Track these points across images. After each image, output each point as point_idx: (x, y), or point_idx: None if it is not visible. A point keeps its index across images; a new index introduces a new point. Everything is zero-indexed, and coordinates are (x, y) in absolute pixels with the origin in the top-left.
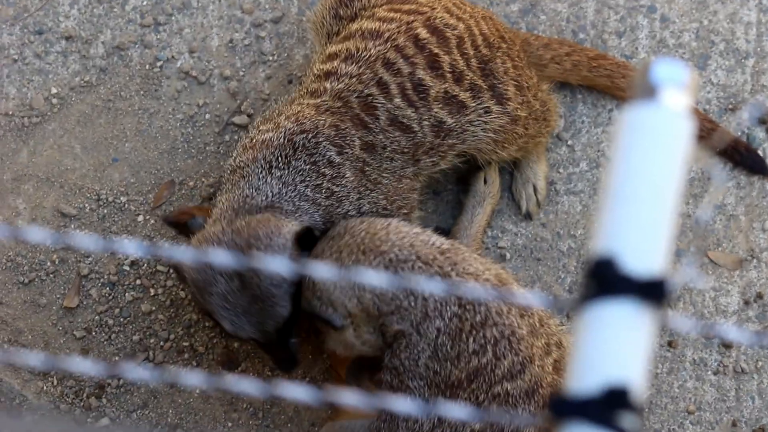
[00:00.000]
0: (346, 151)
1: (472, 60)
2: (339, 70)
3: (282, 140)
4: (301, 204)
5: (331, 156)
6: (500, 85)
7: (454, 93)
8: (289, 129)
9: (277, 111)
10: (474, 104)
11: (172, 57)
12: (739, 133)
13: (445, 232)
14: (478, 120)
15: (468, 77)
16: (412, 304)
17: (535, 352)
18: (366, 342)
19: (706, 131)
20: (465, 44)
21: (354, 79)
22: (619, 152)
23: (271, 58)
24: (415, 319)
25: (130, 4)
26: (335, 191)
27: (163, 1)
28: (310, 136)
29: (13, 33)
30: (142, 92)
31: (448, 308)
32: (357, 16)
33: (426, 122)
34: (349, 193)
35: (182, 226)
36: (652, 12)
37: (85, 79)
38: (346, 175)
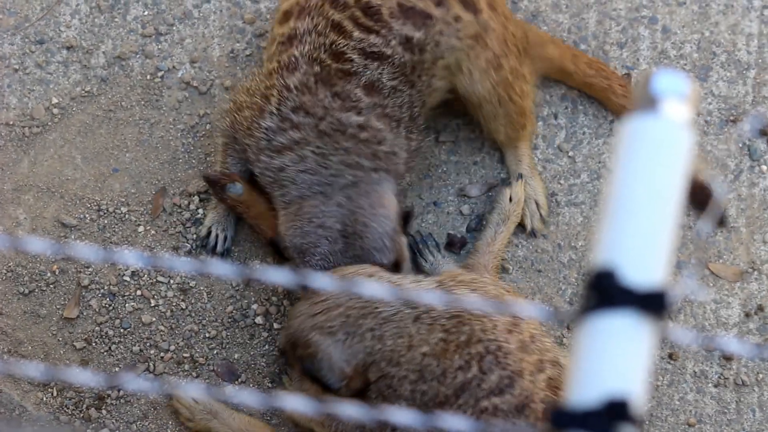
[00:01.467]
0: (359, 105)
1: None
2: (297, 31)
3: (313, 134)
4: (373, 174)
5: (353, 120)
6: None
7: (410, 4)
8: (308, 123)
9: (262, 93)
10: (439, 13)
11: (173, 67)
12: (740, 145)
13: (456, 239)
14: (449, 29)
15: None
16: (399, 343)
17: (525, 367)
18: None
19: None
20: None
21: (314, 35)
22: (620, 163)
23: None
24: (397, 357)
25: (131, 14)
26: (382, 148)
27: (165, 11)
28: (328, 117)
29: (14, 43)
30: (143, 102)
31: (434, 335)
32: None
33: (394, 42)
34: (393, 141)
35: (220, 188)
36: (654, 23)
37: (86, 89)
38: (377, 126)
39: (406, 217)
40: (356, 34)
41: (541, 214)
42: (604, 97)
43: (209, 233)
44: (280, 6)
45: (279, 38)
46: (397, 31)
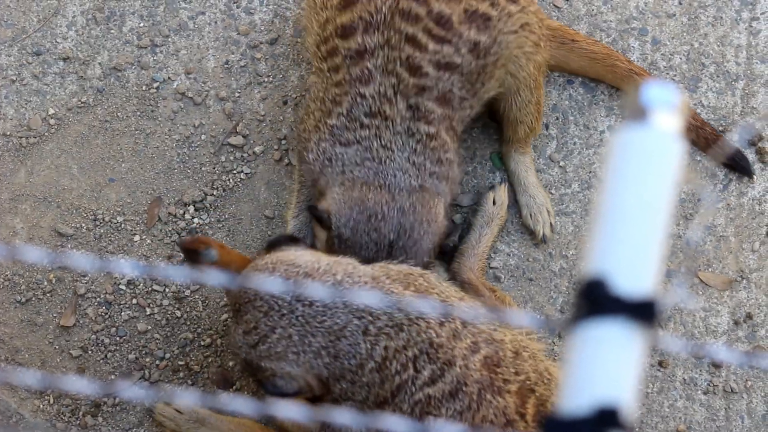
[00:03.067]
0: (431, 117)
1: None
2: (367, 45)
3: (386, 133)
4: (434, 181)
5: (424, 129)
6: None
7: (473, 8)
8: (381, 124)
9: (331, 99)
10: (496, 12)
11: (169, 78)
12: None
13: (448, 248)
14: (505, 26)
15: None
16: (353, 363)
17: (458, 353)
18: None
19: (711, 141)
20: None
21: (386, 49)
22: (610, 173)
23: (266, 79)
24: (351, 375)
25: (127, 25)
26: (447, 156)
27: (160, 23)
28: (403, 123)
29: (11, 54)
30: (138, 113)
31: (378, 347)
32: None
33: (464, 49)
34: (455, 151)
35: (194, 254)
36: (644, 34)
37: (83, 99)
38: (445, 138)
39: (447, 234)
40: (431, 46)
41: (551, 223)
42: (609, 65)
43: None
44: (336, 19)
45: (345, 52)
46: (466, 37)
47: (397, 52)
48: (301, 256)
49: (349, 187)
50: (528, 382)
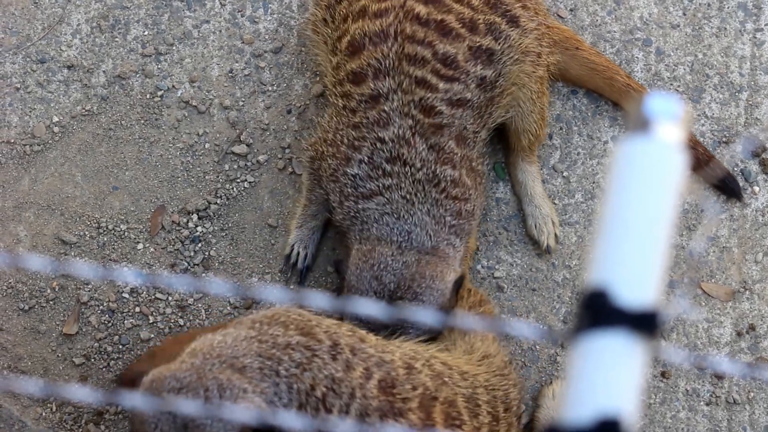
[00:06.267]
0: (454, 158)
1: (473, 0)
2: (381, 91)
3: (407, 182)
4: (451, 237)
5: (449, 174)
6: (507, 7)
7: (477, 44)
8: (404, 172)
9: (349, 142)
10: (499, 46)
11: (173, 86)
12: (733, 167)
13: None
14: (508, 57)
15: (480, 20)
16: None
17: (355, 384)
18: None
19: (702, 162)
20: None
21: (399, 93)
22: (613, 184)
23: (270, 88)
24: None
25: (131, 33)
26: (467, 207)
27: (165, 31)
28: (425, 168)
29: (15, 62)
30: (142, 121)
31: (292, 391)
32: (348, 15)
33: (473, 85)
34: (475, 200)
35: (134, 384)
36: (648, 45)
37: (87, 107)
38: (467, 183)
39: (458, 285)
40: (441, 85)
41: (555, 233)
42: (608, 77)
43: (291, 250)
44: (346, 65)
45: (359, 97)
46: (473, 73)
47: (410, 95)
48: (178, 368)
49: (365, 242)
50: (427, 393)
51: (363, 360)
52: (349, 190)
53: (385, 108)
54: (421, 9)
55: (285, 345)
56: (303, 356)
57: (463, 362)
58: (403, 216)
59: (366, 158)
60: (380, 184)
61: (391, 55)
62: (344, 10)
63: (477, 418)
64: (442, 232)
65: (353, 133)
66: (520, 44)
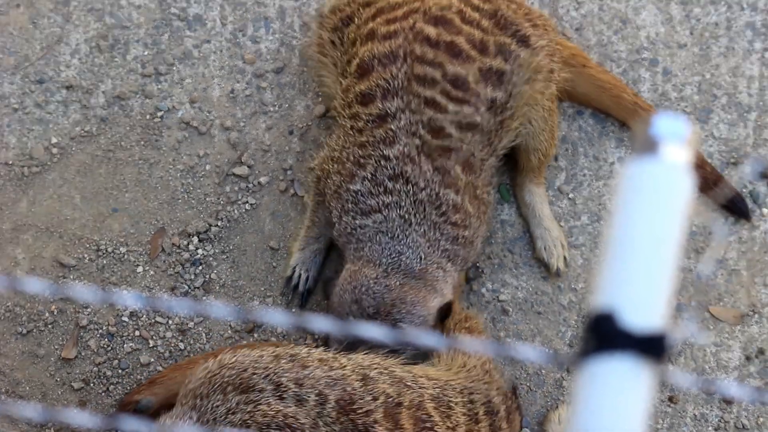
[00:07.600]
0: (458, 184)
1: (483, 21)
2: (389, 110)
3: (408, 201)
4: (442, 261)
5: (452, 198)
6: (517, 27)
7: (488, 65)
8: (406, 190)
9: (352, 161)
10: (509, 66)
11: (173, 107)
12: (741, 188)
13: None
14: (518, 78)
15: (490, 41)
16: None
17: (312, 413)
18: None
19: (711, 183)
20: (467, 13)
21: (408, 113)
22: (620, 206)
23: (272, 108)
24: None
25: (131, 53)
26: (466, 234)
27: (165, 51)
28: (428, 188)
29: (14, 82)
30: (142, 142)
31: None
32: (356, 39)
33: (482, 108)
34: (476, 228)
35: (132, 409)
36: (654, 65)
37: (86, 128)
38: (469, 210)
39: (445, 311)
40: (451, 107)
41: (564, 256)
42: (615, 95)
43: (293, 272)
44: (355, 86)
45: (366, 117)
46: (483, 96)
47: (419, 115)
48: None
49: (355, 263)
50: (390, 400)
51: (312, 387)
52: (350, 205)
53: (392, 127)
54: (430, 31)
55: (226, 412)
56: (244, 413)
57: (433, 371)
58: (397, 236)
59: (369, 175)
60: (380, 201)
61: (400, 75)
62: (352, 34)
63: (450, 419)
64: (434, 255)
65: (359, 151)
66: (530, 63)
